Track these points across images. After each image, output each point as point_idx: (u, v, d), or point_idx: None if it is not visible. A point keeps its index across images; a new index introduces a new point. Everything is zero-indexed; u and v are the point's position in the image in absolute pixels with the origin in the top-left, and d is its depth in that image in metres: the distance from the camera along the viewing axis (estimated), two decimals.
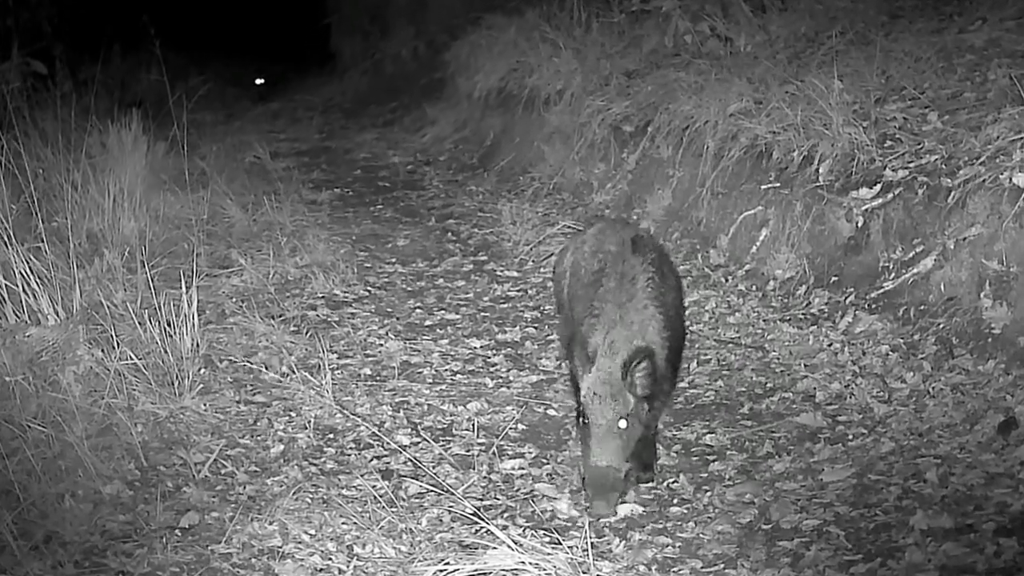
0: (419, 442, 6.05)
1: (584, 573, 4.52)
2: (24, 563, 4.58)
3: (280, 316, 7.78)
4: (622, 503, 5.26)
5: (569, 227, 9.50)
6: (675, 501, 5.36)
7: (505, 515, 5.25)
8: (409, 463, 5.76)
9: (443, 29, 17.69)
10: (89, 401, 5.90)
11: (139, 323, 6.64)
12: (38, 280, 6.82)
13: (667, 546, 4.92)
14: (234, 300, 8.01)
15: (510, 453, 5.96)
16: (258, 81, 22.99)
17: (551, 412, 6.48)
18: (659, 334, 5.27)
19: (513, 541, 4.57)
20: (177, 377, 6.36)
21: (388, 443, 5.95)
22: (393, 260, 9.70)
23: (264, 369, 6.79)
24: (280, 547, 4.87)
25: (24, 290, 6.73)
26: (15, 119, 9.35)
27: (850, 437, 5.69)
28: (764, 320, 7.34)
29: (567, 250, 6.34)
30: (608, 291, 5.38)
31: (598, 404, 5.03)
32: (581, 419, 5.14)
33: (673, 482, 5.51)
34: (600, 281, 5.48)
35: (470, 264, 9.53)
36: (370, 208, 11.88)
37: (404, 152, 15.13)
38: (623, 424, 5.01)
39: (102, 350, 6.39)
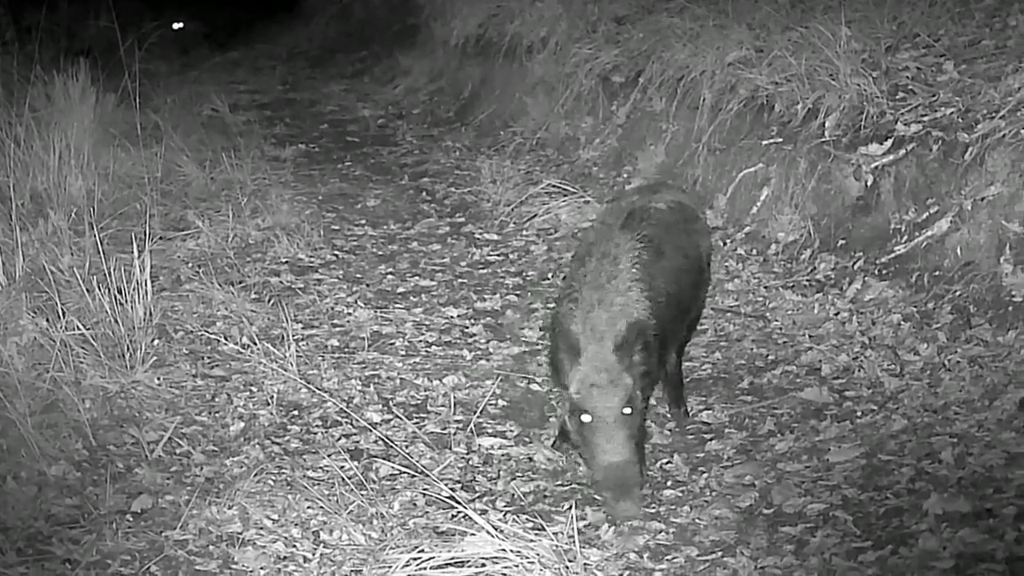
0: (391, 419, 6.03)
1: (570, 561, 4.50)
2: None
3: (240, 283, 7.75)
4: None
5: (554, 186, 9.47)
6: (669, 483, 5.34)
7: (484, 499, 5.24)
8: (380, 442, 5.74)
9: None
10: (33, 375, 5.85)
11: (87, 290, 6.60)
12: None
13: (660, 532, 4.91)
14: (190, 265, 7.99)
15: (489, 431, 5.95)
16: (176, 25, 22.46)
17: (534, 387, 6.47)
18: (644, 316, 5.20)
19: (493, 527, 4.55)
20: (128, 349, 6.32)
21: (357, 420, 5.92)
22: (363, 222, 9.68)
23: (223, 340, 6.75)
24: (240, 533, 4.84)
25: None
26: None
27: (859, 414, 5.67)
28: (765, 287, 7.33)
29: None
30: (588, 272, 5.32)
31: (598, 394, 4.91)
32: (577, 417, 4.98)
33: (667, 463, 5.50)
34: (583, 260, 5.43)
35: (446, 226, 9.50)
36: (338, 166, 11.87)
37: (375, 105, 15.12)
38: (628, 411, 4.91)
39: (47, 319, 6.34)
